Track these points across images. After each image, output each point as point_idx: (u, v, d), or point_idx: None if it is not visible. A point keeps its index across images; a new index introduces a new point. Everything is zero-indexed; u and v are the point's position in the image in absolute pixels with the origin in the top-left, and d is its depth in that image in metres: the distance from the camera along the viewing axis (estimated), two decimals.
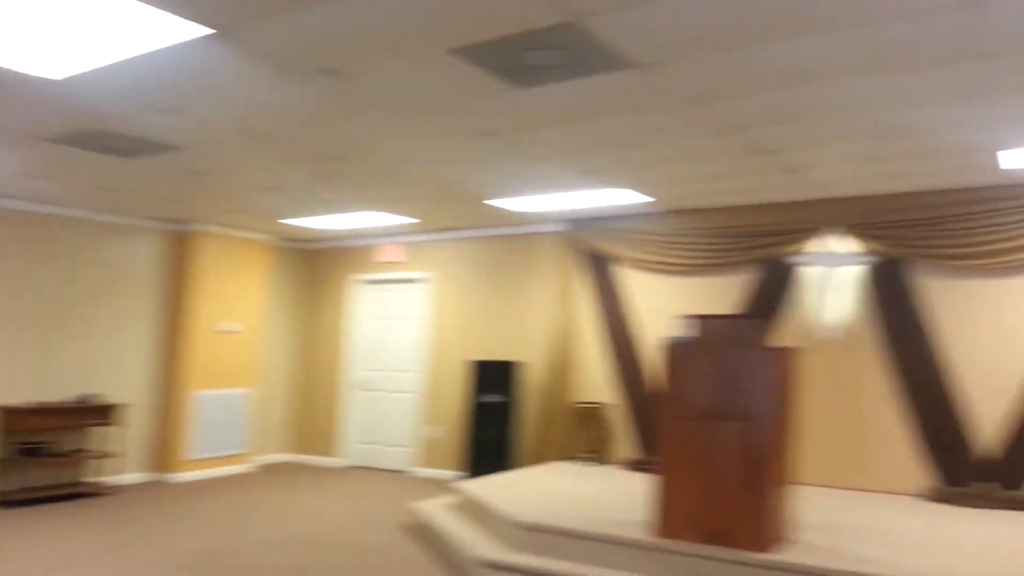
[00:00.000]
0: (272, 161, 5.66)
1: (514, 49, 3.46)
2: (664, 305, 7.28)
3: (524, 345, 8.12)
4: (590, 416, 7.46)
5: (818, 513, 5.26)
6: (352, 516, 6.66)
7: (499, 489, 5.89)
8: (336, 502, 7.25)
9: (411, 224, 8.35)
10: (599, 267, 7.72)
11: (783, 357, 4.43)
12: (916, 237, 6.11)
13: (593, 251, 7.72)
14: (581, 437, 7.48)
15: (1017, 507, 5.54)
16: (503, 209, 7.31)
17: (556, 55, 3.51)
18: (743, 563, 4.18)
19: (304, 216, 8.02)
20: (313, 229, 8.87)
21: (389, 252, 9.26)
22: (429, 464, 8.67)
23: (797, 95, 3.98)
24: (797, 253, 6.62)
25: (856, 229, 6.37)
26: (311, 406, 9.73)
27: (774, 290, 6.76)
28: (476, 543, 5.03)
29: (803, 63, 3.54)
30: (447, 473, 8.45)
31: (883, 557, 4.15)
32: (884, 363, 6.26)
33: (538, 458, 7.66)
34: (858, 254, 6.39)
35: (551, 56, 3.53)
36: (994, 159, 5.09)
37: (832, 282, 6.51)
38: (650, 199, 6.67)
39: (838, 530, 4.77)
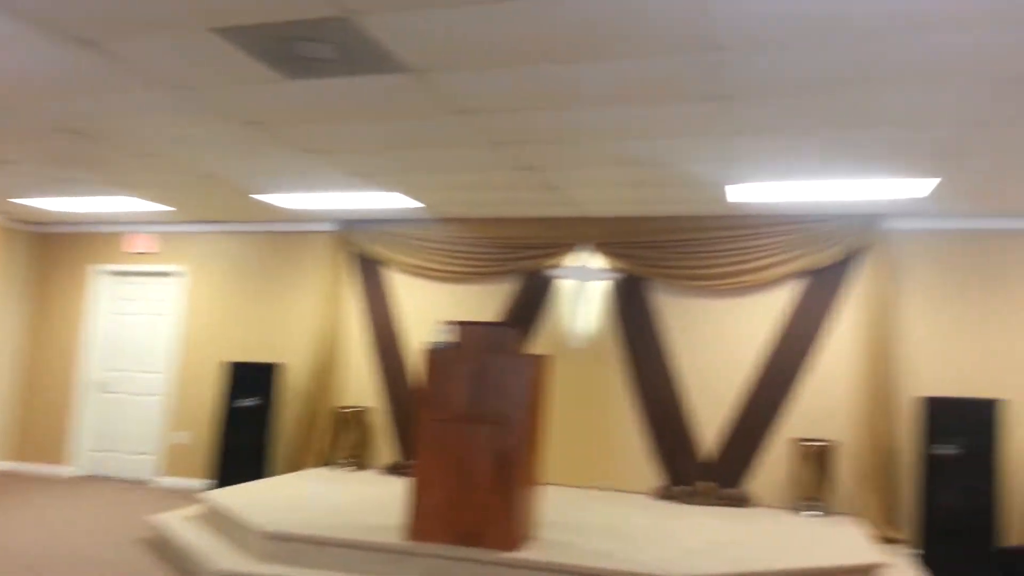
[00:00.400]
0: (2, 132, 5.01)
1: (283, 37, 3.34)
2: (430, 310, 7.38)
3: (286, 347, 7.83)
4: (352, 420, 7.35)
5: (562, 511, 5.56)
6: (81, 529, 6.02)
7: (249, 498, 5.62)
8: (62, 515, 6.51)
9: (166, 212, 7.76)
10: (368, 270, 7.65)
11: (536, 364, 4.65)
12: (655, 258, 6.71)
13: (363, 253, 7.64)
14: (342, 442, 7.34)
15: (732, 504, 6.24)
16: (270, 204, 7.02)
17: (328, 49, 3.44)
18: (491, 562, 4.32)
19: (40, 196, 7.16)
20: (50, 211, 7.95)
21: (139, 242, 8.53)
22: (174, 473, 8.07)
23: (557, 117, 4.21)
24: (555, 266, 7.01)
25: (604, 247, 6.87)
26: (37, 409, 8.68)
27: (532, 300, 7.10)
28: (219, 555, 4.76)
29: (563, 88, 3.76)
30: (194, 482, 7.91)
31: (616, 551, 4.48)
32: (624, 372, 6.79)
33: (296, 464, 7.41)
34: (606, 270, 6.89)
35: (322, 49, 3.45)
36: (723, 192, 5.72)
37: (583, 295, 6.97)
38: (420, 205, 6.72)
39: (579, 527, 5.08)
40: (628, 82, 3.65)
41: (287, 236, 8.00)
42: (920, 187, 5.26)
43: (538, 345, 6.99)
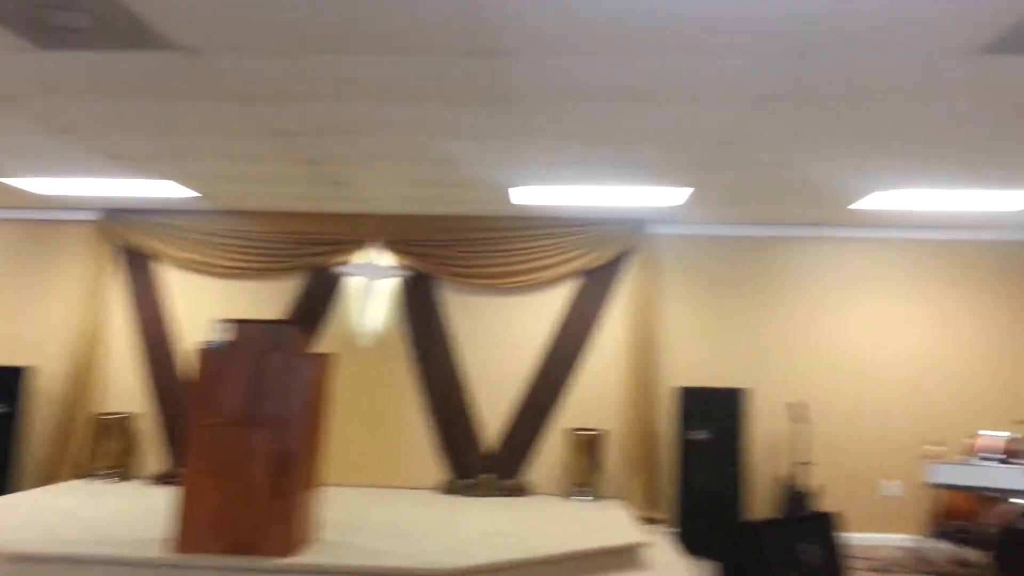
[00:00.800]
0: None
1: (32, 3, 3.01)
2: (207, 308, 6.98)
3: (38, 348, 7.06)
4: (116, 428, 6.78)
5: (346, 512, 5.49)
6: None
7: None
8: None
9: None
10: (136, 264, 7.09)
11: (318, 363, 4.55)
12: (442, 256, 6.82)
13: (130, 246, 7.07)
14: (103, 451, 6.75)
15: (511, 493, 6.47)
16: (19, 189, 6.29)
17: (83, 19, 3.15)
18: (266, 570, 4.17)
19: None
20: None
21: None
22: None
23: (342, 111, 4.15)
24: (342, 263, 6.90)
25: (393, 245, 6.87)
26: None
27: (319, 297, 6.94)
28: None
29: (345, 81, 3.71)
30: None
31: (394, 549, 4.50)
32: (412, 369, 6.84)
33: (49, 477, 6.71)
34: (394, 268, 6.90)
35: (78, 19, 3.15)
36: (507, 193, 5.92)
37: (371, 293, 6.92)
38: (195, 195, 6.34)
39: (361, 527, 5.05)
40: (409, 79, 3.67)
41: (41, 225, 7.22)
42: (677, 196, 5.76)
43: (324, 343, 6.84)
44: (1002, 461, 5.42)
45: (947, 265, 6.69)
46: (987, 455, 5.54)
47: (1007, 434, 5.56)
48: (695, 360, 6.70)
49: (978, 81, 3.40)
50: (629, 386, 6.62)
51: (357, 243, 6.88)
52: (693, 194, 5.72)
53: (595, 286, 6.81)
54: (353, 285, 6.94)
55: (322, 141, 4.72)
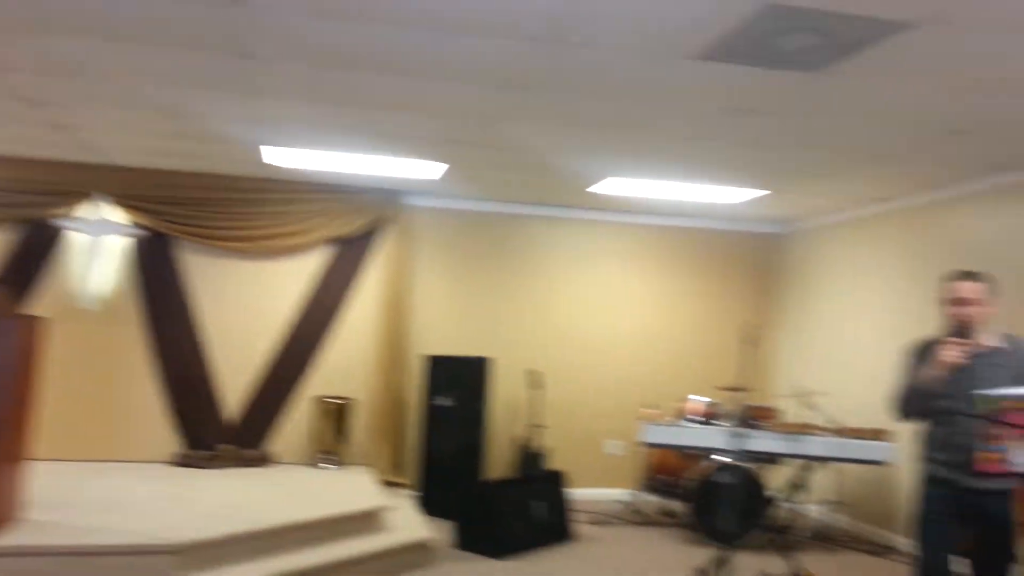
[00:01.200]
0: None
1: None
2: None
3: None
4: None
5: (61, 489, 5.03)
6: None
7: None
8: None
9: None
10: None
11: (26, 326, 4.13)
12: (183, 215, 6.39)
13: None
14: None
15: (252, 464, 6.29)
16: None
17: None
18: None
19: None
20: None
21: None
22: None
23: (62, 46, 3.71)
24: (64, 216, 6.23)
25: (127, 200, 6.33)
26: None
27: (33, 254, 6.22)
28: None
29: (74, 15, 3.31)
30: None
31: (113, 524, 4.20)
32: (144, 335, 6.38)
33: None
34: (126, 225, 6.35)
35: None
36: (259, 153, 5.67)
37: (98, 251, 6.32)
38: None
39: (77, 503, 4.68)
40: (142, 18, 3.33)
41: None
42: (433, 170, 5.86)
43: (40, 305, 6.14)
44: (703, 423, 6.17)
45: (668, 249, 7.45)
46: (692, 417, 6.27)
47: (708, 399, 6.34)
48: (444, 330, 6.90)
49: (695, 84, 3.79)
50: (379, 355, 6.68)
51: (83, 195, 6.25)
52: (449, 170, 5.84)
53: (349, 255, 6.75)
54: (76, 242, 6.29)
55: (41, 79, 4.22)
